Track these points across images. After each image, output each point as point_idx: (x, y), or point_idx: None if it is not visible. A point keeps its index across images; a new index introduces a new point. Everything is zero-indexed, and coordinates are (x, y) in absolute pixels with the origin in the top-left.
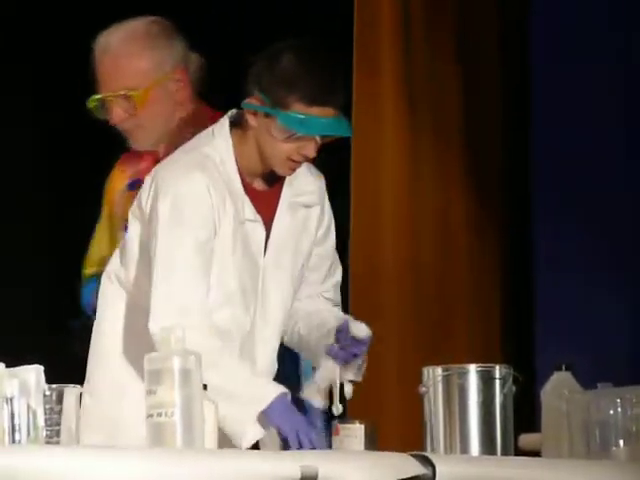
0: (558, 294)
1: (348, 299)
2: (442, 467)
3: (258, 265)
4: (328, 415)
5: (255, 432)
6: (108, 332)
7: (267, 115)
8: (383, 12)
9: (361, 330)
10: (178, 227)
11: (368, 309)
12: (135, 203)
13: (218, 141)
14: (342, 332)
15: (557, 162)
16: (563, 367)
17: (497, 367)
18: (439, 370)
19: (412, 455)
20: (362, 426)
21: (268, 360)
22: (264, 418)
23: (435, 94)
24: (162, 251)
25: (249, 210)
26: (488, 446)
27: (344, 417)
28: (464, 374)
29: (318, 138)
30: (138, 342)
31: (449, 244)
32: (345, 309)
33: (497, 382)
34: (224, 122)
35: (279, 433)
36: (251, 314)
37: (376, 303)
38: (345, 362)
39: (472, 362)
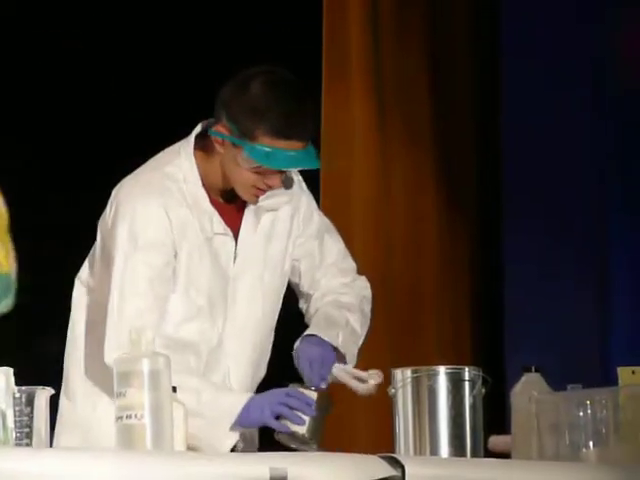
0: (527, 296)
1: None
2: (412, 469)
3: (228, 278)
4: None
5: (232, 439)
6: (83, 335)
7: (234, 145)
8: (352, 20)
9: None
10: (133, 255)
11: None
12: (103, 214)
13: (182, 160)
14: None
15: (527, 167)
16: (533, 369)
17: (466, 369)
18: (409, 372)
19: (381, 457)
20: (315, 393)
21: (244, 369)
22: (239, 425)
23: (406, 103)
24: (117, 280)
25: (218, 224)
26: (458, 447)
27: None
28: (434, 376)
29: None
30: None
31: (420, 248)
32: None
33: (466, 384)
34: (190, 141)
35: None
36: (219, 326)
37: None
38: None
39: (442, 364)
